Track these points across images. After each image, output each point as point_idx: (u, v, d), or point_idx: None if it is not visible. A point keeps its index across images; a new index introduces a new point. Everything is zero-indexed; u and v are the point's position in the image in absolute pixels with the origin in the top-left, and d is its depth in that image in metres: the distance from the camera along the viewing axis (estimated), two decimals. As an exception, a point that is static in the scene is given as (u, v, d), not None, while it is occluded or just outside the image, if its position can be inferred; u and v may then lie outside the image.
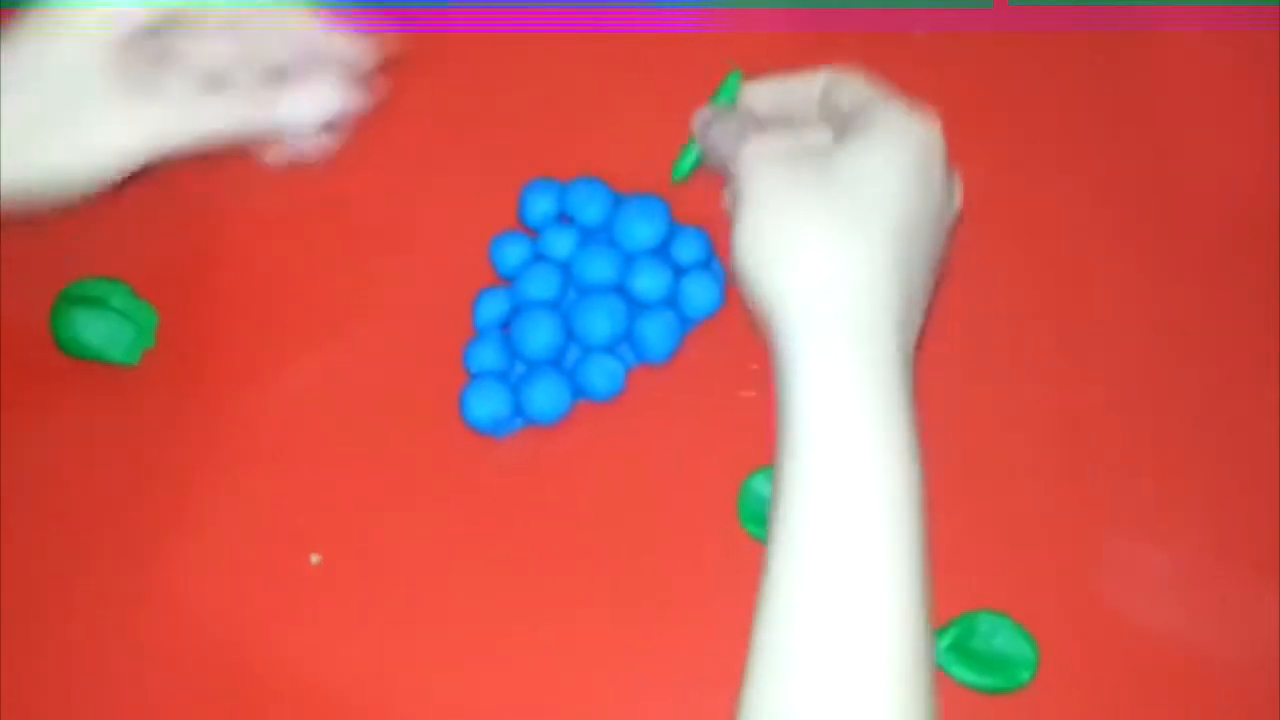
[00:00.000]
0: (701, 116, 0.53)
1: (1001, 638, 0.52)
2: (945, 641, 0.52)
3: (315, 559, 0.54)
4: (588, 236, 0.57)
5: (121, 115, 0.47)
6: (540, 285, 0.55)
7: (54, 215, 0.49)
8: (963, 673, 0.51)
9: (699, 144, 0.53)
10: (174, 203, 0.58)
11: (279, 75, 0.52)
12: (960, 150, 0.59)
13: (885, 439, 0.44)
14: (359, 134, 0.60)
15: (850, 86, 0.50)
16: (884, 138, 0.47)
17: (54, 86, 0.47)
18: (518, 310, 0.55)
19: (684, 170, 0.57)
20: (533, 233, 0.57)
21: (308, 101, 0.51)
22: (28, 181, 0.47)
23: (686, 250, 0.56)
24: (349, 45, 0.51)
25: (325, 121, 0.51)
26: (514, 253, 0.57)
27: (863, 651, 0.43)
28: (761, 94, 0.53)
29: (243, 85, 0.51)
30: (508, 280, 0.57)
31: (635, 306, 0.55)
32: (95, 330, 0.57)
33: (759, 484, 0.53)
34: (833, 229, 0.46)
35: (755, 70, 0.59)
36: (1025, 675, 0.51)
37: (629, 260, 0.56)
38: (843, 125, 0.49)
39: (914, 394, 0.46)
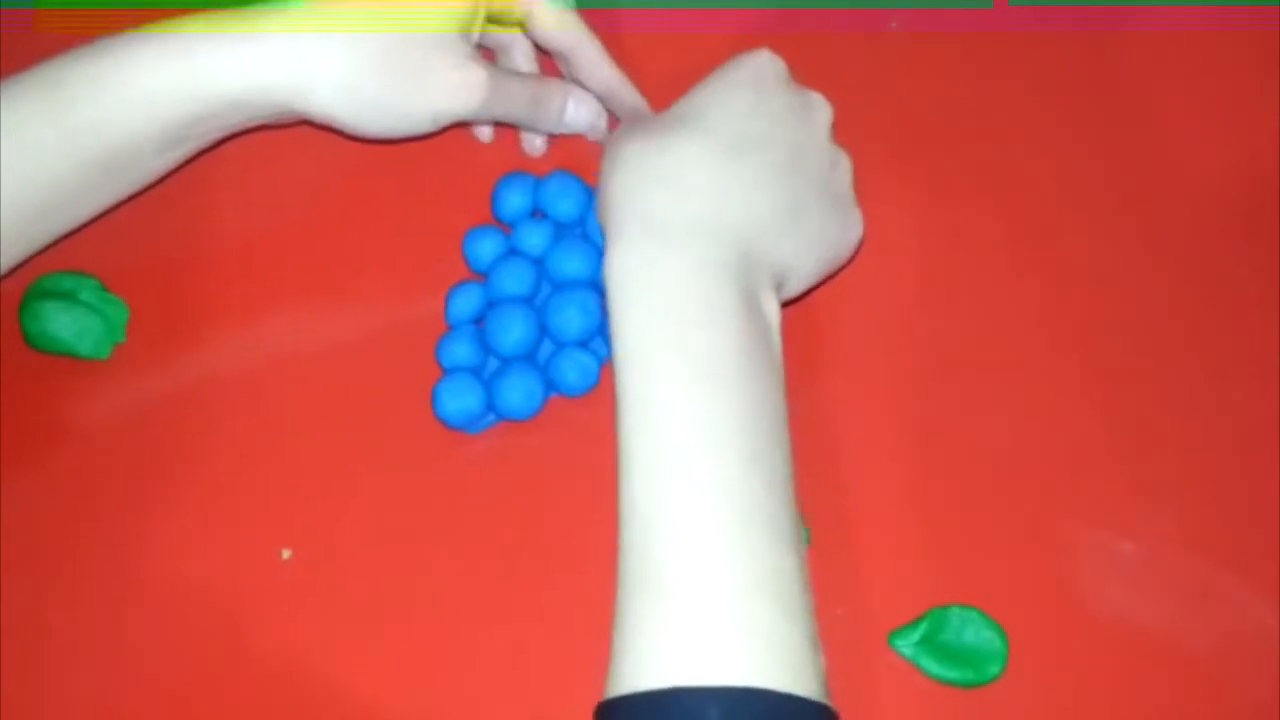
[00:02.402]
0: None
1: (971, 631, 0.52)
2: (915, 636, 0.52)
3: (286, 554, 0.54)
4: (561, 231, 0.57)
5: (459, 77, 0.53)
6: (513, 280, 0.55)
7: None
8: (933, 666, 0.52)
9: None
10: (145, 197, 0.58)
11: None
12: (959, 149, 0.60)
13: (689, 299, 0.47)
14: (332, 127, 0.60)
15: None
16: (715, 74, 0.52)
17: (421, 39, 0.53)
18: (491, 305, 0.55)
19: None
20: (506, 227, 0.57)
21: (586, 112, 0.58)
22: (375, 112, 0.53)
23: (660, 246, 0.56)
24: (636, 95, 0.59)
25: (582, 132, 0.59)
26: (487, 247, 0.57)
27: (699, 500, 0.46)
28: None
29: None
30: (481, 275, 0.57)
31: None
32: (64, 324, 0.56)
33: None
34: (649, 139, 0.50)
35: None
36: (995, 668, 0.51)
37: (602, 255, 0.56)
38: None
39: (750, 296, 0.48)
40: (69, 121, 0.51)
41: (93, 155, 0.52)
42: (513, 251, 0.56)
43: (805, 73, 0.61)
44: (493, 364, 0.55)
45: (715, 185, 0.49)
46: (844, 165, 0.54)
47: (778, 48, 0.61)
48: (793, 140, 0.51)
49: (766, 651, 0.43)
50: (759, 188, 0.50)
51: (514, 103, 0.56)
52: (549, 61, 0.60)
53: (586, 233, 0.56)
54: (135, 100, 0.51)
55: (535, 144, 0.59)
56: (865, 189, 0.59)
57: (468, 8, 0.54)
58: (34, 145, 0.51)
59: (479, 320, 0.56)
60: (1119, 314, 0.57)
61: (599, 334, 0.55)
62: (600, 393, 0.55)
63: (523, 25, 0.57)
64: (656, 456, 0.46)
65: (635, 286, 0.48)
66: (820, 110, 0.53)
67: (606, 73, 0.58)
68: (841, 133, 0.59)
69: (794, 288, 0.52)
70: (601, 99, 0.59)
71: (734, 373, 0.47)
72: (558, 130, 0.59)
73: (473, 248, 0.57)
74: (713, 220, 0.49)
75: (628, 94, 0.58)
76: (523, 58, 0.60)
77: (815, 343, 0.54)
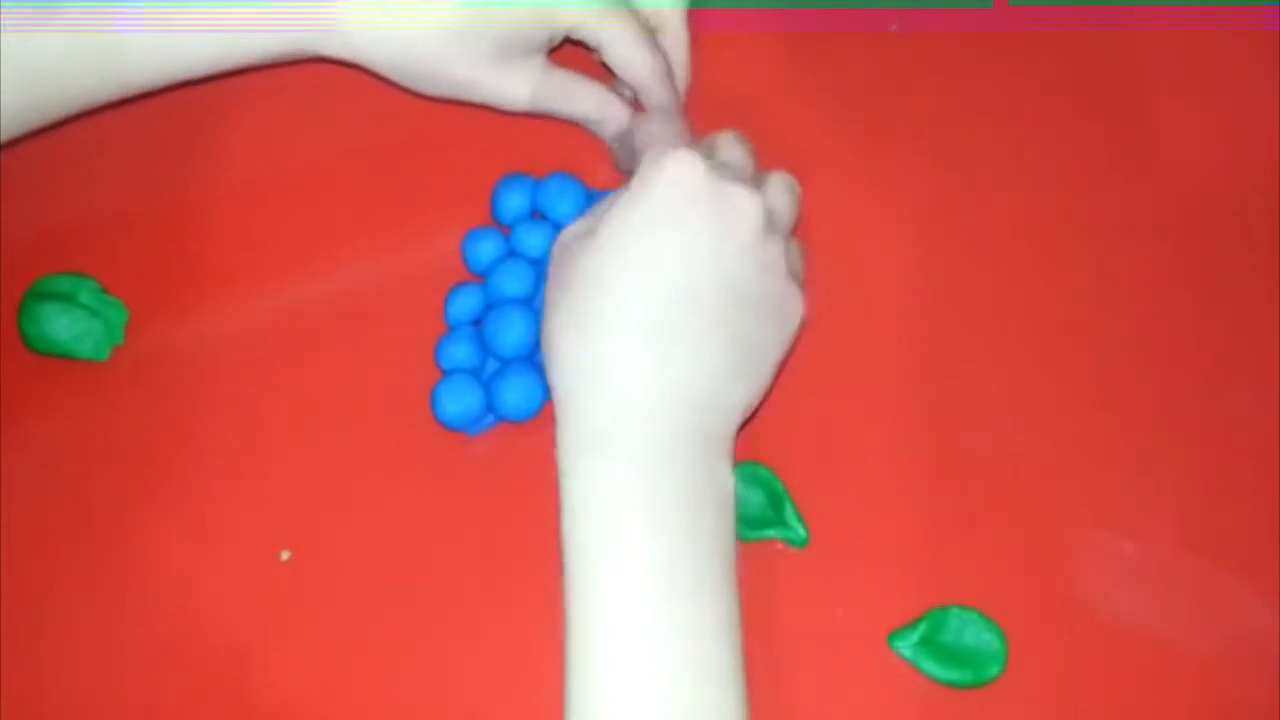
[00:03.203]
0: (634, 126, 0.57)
1: (971, 632, 0.52)
2: (915, 636, 0.52)
3: (285, 555, 0.54)
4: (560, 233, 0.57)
5: (501, 85, 0.56)
6: (513, 282, 0.55)
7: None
8: (932, 667, 0.52)
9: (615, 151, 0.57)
10: (144, 199, 0.58)
11: None
12: (959, 149, 0.59)
13: (635, 506, 0.46)
14: (330, 129, 0.60)
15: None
16: (624, 204, 0.49)
17: (504, 42, 0.55)
18: (490, 307, 0.55)
19: None
20: (505, 229, 0.57)
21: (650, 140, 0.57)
22: (429, 89, 0.56)
23: (658, 247, 0.56)
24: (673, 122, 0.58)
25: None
26: (486, 249, 0.57)
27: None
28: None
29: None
30: (480, 276, 0.57)
31: (607, 303, 0.55)
32: (63, 326, 0.56)
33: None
34: (571, 318, 0.49)
35: (737, 72, 0.60)
36: (995, 669, 0.51)
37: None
38: None
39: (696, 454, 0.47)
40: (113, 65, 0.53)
41: (126, 80, 0.54)
42: (512, 253, 0.56)
43: (806, 73, 0.61)
44: (492, 365, 0.55)
45: (654, 370, 0.47)
46: (775, 258, 0.50)
47: (778, 47, 0.61)
48: (721, 267, 0.48)
49: None
50: (702, 349, 0.48)
51: (561, 113, 0.58)
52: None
53: (585, 234, 0.56)
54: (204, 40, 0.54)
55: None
56: (866, 189, 0.59)
57: (542, 31, 0.55)
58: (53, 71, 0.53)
59: (478, 321, 0.56)
60: (1118, 314, 0.57)
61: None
62: (599, 394, 0.55)
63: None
64: (597, 683, 0.46)
65: (579, 488, 0.47)
66: (745, 209, 0.49)
67: (661, 125, 0.58)
68: (841, 132, 0.60)
69: (748, 412, 0.50)
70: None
71: (682, 584, 0.46)
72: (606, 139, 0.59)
73: (472, 249, 0.57)
74: (654, 415, 0.47)
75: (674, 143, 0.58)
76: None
77: (816, 343, 0.54)
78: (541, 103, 0.57)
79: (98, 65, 0.53)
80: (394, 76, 0.56)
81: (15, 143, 0.55)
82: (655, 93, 0.57)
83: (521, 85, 0.56)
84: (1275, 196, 0.59)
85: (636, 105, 0.58)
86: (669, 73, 0.57)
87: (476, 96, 0.56)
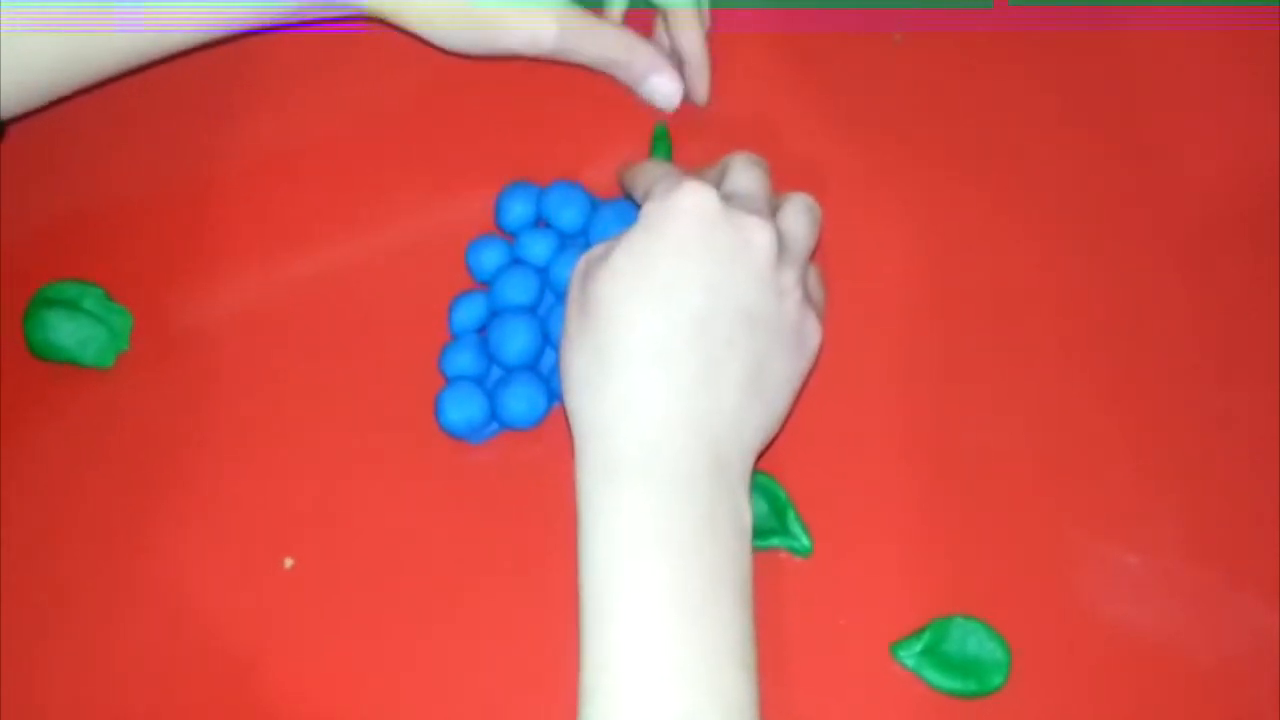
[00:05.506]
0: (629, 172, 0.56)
1: (974, 642, 0.52)
2: (918, 646, 0.52)
3: (289, 563, 0.54)
4: (565, 241, 0.57)
5: (529, 26, 0.56)
6: (517, 290, 0.55)
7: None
8: (935, 677, 0.52)
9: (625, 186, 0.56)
10: (149, 206, 0.58)
11: None
12: (959, 150, 0.60)
13: (652, 534, 0.46)
14: (331, 138, 0.60)
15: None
16: (633, 239, 0.49)
17: None
18: (494, 315, 0.55)
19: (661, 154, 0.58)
20: (509, 237, 0.57)
21: (668, 88, 0.59)
22: (457, 37, 0.57)
23: (663, 255, 0.56)
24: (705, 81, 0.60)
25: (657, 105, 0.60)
26: (491, 257, 0.57)
27: None
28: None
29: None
30: (484, 284, 0.57)
31: (612, 311, 0.55)
32: (68, 333, 0.56)
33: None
34: (585, 348, 0.48)
35: (738, 74, 0.60)
36: (998, 679, 0.52)
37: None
38: None
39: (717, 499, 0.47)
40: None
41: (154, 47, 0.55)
42: (516, 261, 0.56)
43: (806, 73, 0.61)
44: (496, 373, 0.55)
45: (672, 400, 0.47)
46: (790, 286, 0.49)
47: (778, 47, 0.61)
48: (736, 297, 0.48)
49: None
50: (718, 379, 0.47)
51: (588, 57, 0.58)
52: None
53: (590, 242, 0.56)
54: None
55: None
56: (865, 190, 0.59)
57: None
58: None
59: (482, 329, 0.56)
60: (1122, 321, 0.57)
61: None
62: (604, 404, 0.55)
63: None
64: (614, 711, 0.45)
65: (597, 515, 0.47)
66: (757, 240, 0.48)
67: (688, 41, 0.59)
68: (842, 132, 0.60)
69: (766, 440, 0.50)
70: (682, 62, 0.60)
71: (699, 613, 0.46)
72: (639, 92, 0.60)
73: (476, 257, 0.57)
74: (672, 443, 0.47)
75: (700, 78, 0.60)
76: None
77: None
78: (567, 41, 0.57)
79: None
80: (418, 23, 0.56)
81: (50, 106, 0.55)
82: (694, 31, 0.58)
83: (547, 20, 0.56)
84: (1276, 197, 0.59)
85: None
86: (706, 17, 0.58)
87: (502, 41, 0.56)
